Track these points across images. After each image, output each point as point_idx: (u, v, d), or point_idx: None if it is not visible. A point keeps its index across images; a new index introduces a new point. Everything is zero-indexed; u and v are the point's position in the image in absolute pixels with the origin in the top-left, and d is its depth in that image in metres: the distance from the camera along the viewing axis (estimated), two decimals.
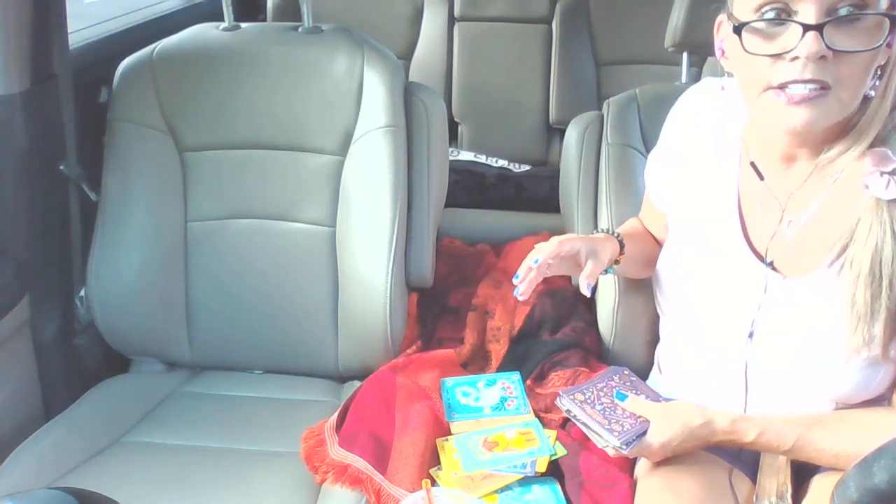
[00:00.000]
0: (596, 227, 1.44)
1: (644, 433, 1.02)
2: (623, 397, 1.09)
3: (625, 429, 1.03)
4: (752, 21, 0.86)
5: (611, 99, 1.48)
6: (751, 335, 1.00)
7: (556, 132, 2.39)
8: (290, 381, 1.44)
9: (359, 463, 1.15)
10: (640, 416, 1.04)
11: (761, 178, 1.00)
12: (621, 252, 1.13)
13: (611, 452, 1.04)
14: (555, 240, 1.05)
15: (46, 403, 1.40)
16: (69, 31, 1.40)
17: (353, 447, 1.17)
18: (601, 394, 1.10)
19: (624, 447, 1.01)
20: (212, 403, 1.38)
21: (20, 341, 1.36)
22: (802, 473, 1.03)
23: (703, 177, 1.06)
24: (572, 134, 1.50)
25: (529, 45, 2.38)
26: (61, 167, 1.39)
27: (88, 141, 1.46)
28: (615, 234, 1.14)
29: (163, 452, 1.24)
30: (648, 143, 1.40)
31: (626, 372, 1.18)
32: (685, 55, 1.50)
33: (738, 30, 0.87)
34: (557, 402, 1.11)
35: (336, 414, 1.25)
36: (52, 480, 1.16)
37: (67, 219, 1.42)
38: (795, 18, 0.83)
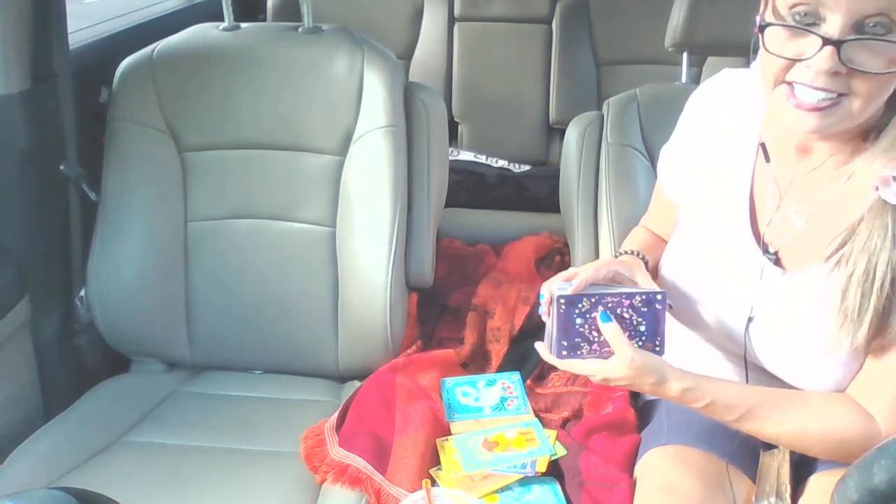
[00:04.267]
0: (596, 227, 1.44)
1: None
2: (607, 319, 0.97)
3: (577, 351, 0.98)
4: (775, 23, 0.85)
5: (611, 99, 1.48)
6: (749, 321, 1.00)
7: (556, 132, 2.39)
8: (290, 381, 1.44)
9: (359, 463, 1.15)
10: (606, 348, 0.98)
11: (767, 160, 0.99)
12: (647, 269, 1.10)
13: (544, 355, 1.01)
14: (589, 266, 1.00)
15: (46, 403, 1.40)
16: (69, 31, 1.40)
17: (354, 447, 1.18)
18: (594, 306, 0.98)
19: (556, 358, 0.98)
20: (212, 403, 1.38)
21: (20, 341, 1.36)
22: (802, 473, 1.03)
23: (720, 164, 1.05)
24: (572, 134, 1.50)
25: (529, 45, 2.38)
26: (61, 167, 1.38)
27: (88, 141, 1.45)
28: (638, 254, 1.11)
29: (163, 452, 1.24)
30: (648, 143, 1.40)
31: (658, 304, 0.99)
32: (685, 55, 1.50)
33: (762, 28, 0.87)
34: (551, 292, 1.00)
35: (336, 414, 1.25)
36: (52, 480, 1.16)
37: (67, 219, 1.42)
38: (819, 28, 0.82)
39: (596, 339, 0.98)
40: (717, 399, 0.95)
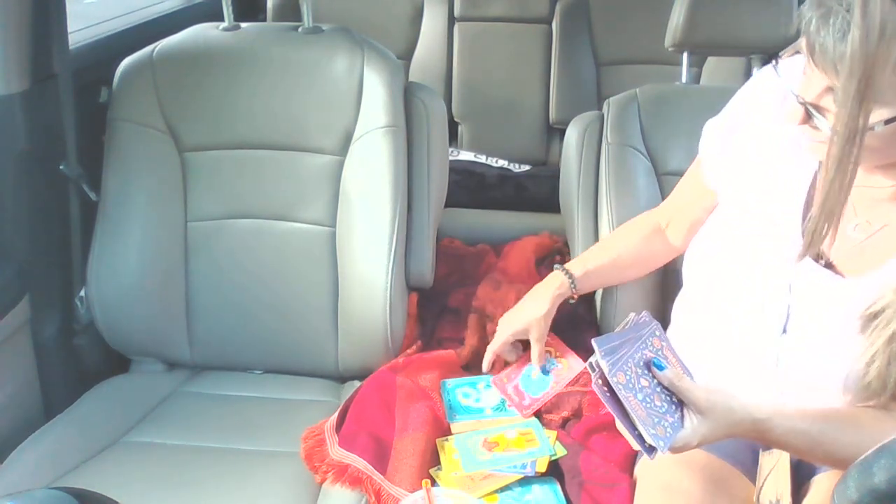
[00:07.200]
0: (596, 227, 1.44)
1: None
2: (661, 367, 0.89)
3: (666, 431, 0.86)
4: (777, 67, 0.91)
5: (611, 99, 1.48)
6: (784, 330, 0.96)
7: (556, 132, 2.38)
8: (290, 381, 1.44)
9: (359, 463, 1.15)
10: (676, 402, 0.89)
11: None
12: (573, 294, 1.25)
13: (635, 446, 0.89)
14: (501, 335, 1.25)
15: (46, 403, 1.40)
16: (69, 31, 1.40)
17: (353, 447, 1.18)
18: (639, 370, 0.89)
19: (664, 449, 0.86)
20: (212, 403, 1.38)
21: (20, 341, 1.36)
22: (802, 473, 1.03)
23: (780, 163, 1.00)
24: (572, 134, 1.50)
25: (529, 45, 2.38)
26: (61, 167, 1.38)
27: (88, 141, 1.45)
28: (571, 283, 1.24)
29: (163, 452, 1.25)
30: (648, 143, 1.40)
31: (656, 333, 0.95)
32: (685, 55, 1.50)
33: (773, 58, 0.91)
34: (594, 366, 0.88)
35: (336, 414, 1.25)
36: (52, 480, 1.16)
37: (67, 219, 1.42)
38: (801, 89, 0.86)
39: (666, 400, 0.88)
40: (791, 426, 0.90)
